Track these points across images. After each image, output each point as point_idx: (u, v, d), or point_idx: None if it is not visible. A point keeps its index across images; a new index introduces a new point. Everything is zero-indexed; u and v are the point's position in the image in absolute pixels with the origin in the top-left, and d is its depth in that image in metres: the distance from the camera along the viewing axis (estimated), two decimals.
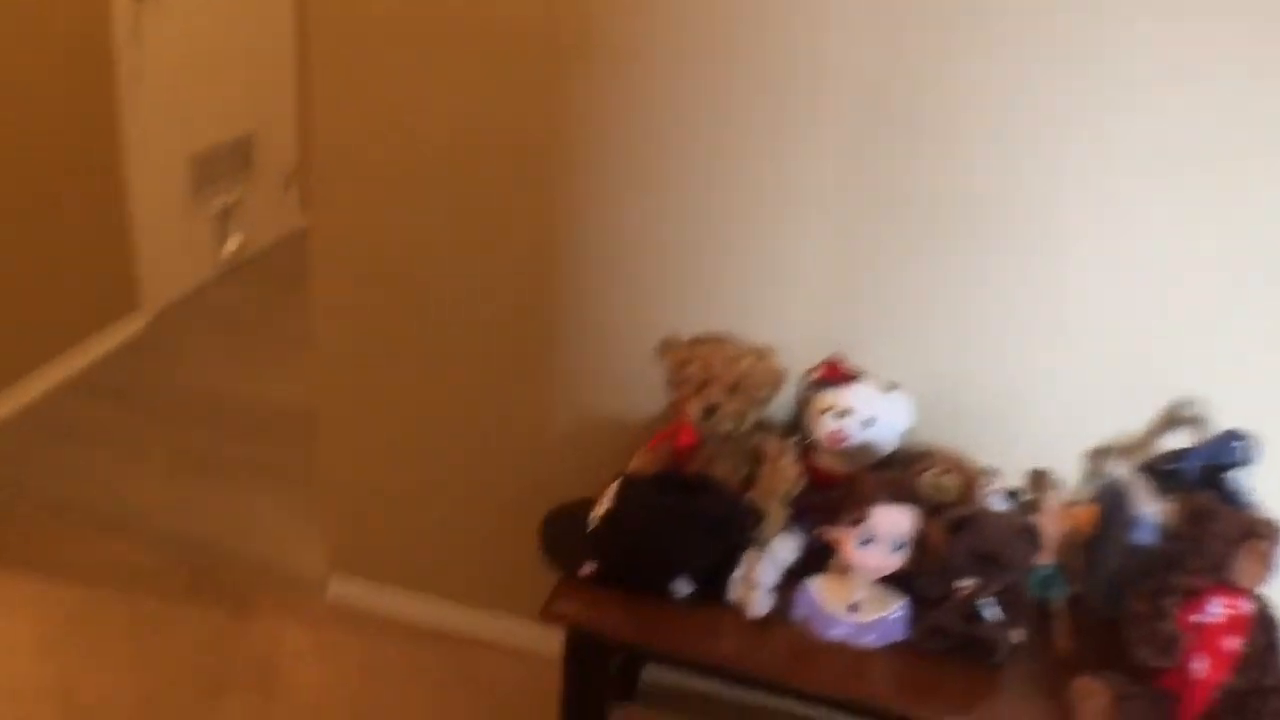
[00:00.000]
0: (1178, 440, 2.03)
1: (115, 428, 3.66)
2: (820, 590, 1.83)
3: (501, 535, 2.62)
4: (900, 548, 1.77)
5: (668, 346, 2.13)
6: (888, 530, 1.76)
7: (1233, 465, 1.90)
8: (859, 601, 1.80)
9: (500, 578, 2.70)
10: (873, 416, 1.99)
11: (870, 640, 1.80)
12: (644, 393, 2.30)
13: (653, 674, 2.64)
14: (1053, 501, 2.05)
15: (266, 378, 4.04)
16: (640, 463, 2.03)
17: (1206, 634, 1.66)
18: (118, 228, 4.12)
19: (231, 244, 4.93)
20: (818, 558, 1.88)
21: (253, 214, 5.05)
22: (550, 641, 2.64)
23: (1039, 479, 2.18)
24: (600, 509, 1.82)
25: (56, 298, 3.86)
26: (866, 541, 1.77)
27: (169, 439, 3.61)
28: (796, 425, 2.13)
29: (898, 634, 1.81)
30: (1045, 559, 1.91)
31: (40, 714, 2.53)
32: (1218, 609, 1.67)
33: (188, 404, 3.82)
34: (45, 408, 3.76)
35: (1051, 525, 1.94)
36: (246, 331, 4.39)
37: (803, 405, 2.10)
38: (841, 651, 1.79)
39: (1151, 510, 1.85)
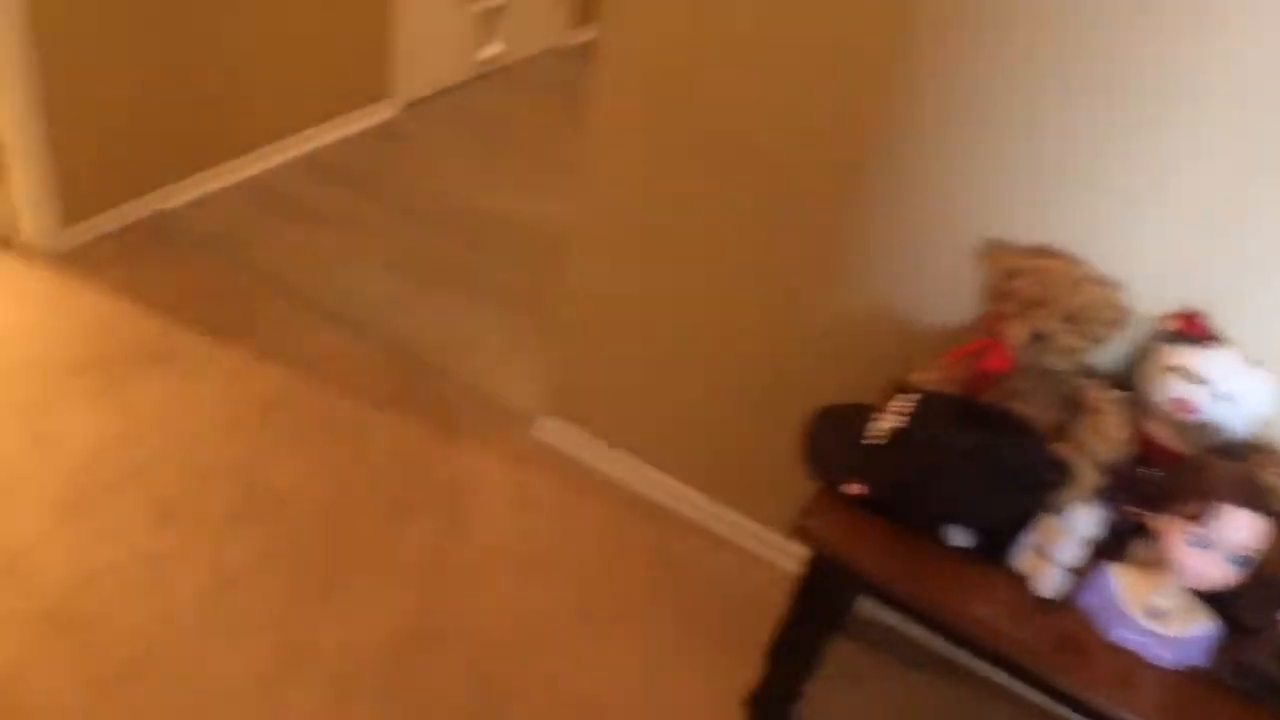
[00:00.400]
0: None
1: (347, 214, 3.61)
2: (1120, 581, 1.55)
3: (738, 420, 2.42)
4: (1240, 562, 1.46)
5: (997, 251, 1.83)
6: (1232, 537, 1.45)
7: None
8: (1163, 608, 1.51)
9: (725, 463, 2.51)
10: (1230, 392, 1.66)
11: (1163, 656, 1.51)
12: (944, 297, 2.00)
13: (866, 606, 2.41)
14: None
15: (507, 191, 3.91)
16: (932, 378, 1.76)
17: None
18: (380, 13, 4.03)
19: (491, 49, 4.80)
20: (1119, 540, 1.59)
21: (517, 22, 4.88)
22: (765, 541, 2.47)
23: None
24: (885, 423, 1.56)
25: (310, 72, 3.82)
26: (1200, 543, 1.46)
27: (399, 235, 3.53)
28: (1127, 379, 1.80)
29: (1196, 658, 1.52)
30: None
31: (222, 492, 2.51)
32: None
33: (424, 203, 3.74)
34: (281, 181, 3.74)
35: None
36: (493, 141, 4.27)
37: (1143, 357, 1.77)
38: (1120, 657, 1.52)
39: None
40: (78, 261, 3.25)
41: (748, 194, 2.15)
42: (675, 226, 2.29)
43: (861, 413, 1.63)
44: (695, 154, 2.18)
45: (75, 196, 3.23)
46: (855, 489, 1.57)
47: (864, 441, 1.57)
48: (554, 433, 2.75)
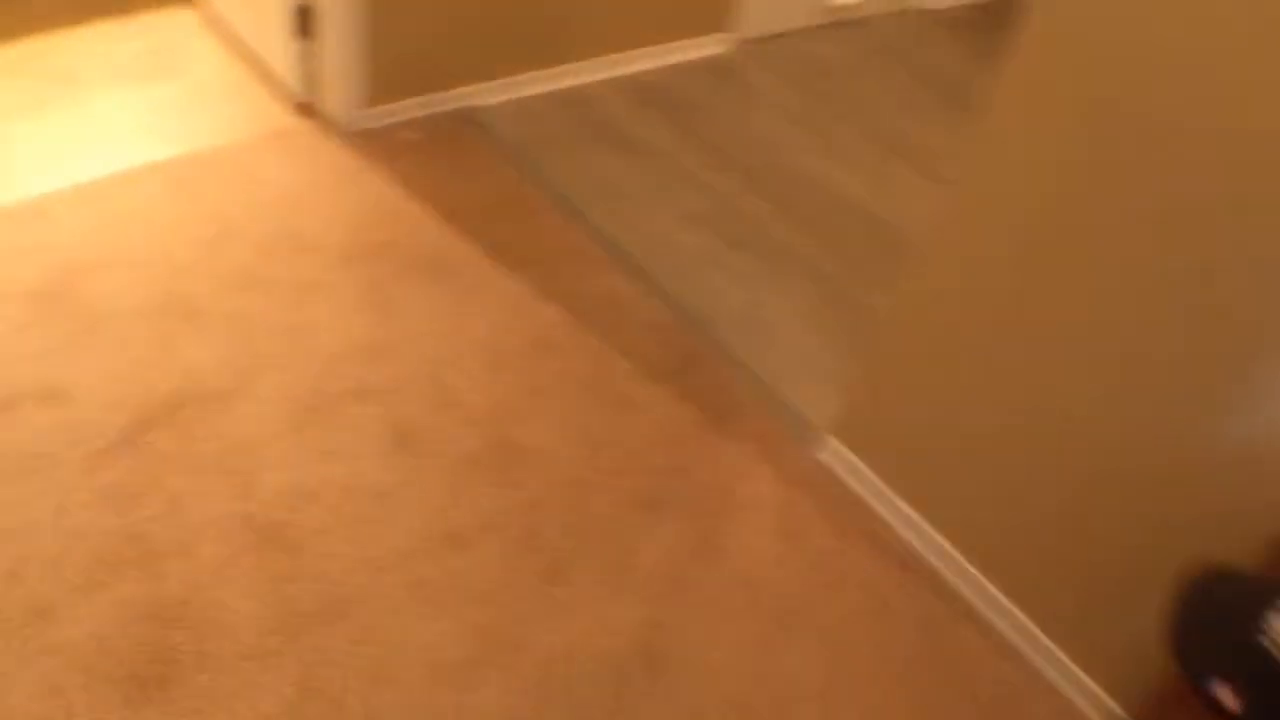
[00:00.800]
0: None
1: (659, 149, 3.38)
2: None
3: (1070, 524, 2.03)
4: None
5: None
6: None
7: None
8: None
9: (1037, 566, 2.13)
10: None
11: None
12: None
13: None
14: None
15: (834, 159, 3.55)
16: None
17: None
18: None
19: None
20: None
21: None
22: (1062, 669, 2.12)
23: None
24: None
25: None
26: None
27: (709, 183, 3.27)
28: None
29: None
30: None
31: (466, 433, 2.36)
32: None
33: (742, 152, 3.45)
34: (597, 99, 3.55)
35: None
36: (829, 100, 3.91)
37: None
38: None
39: None
40: (374, 143, 3.17)
41: (1173, 256, 1.73)
42: (1062, 272, 1.89)
43: (1260, 593, 1.26)
44: (1121, 194, 1.77)
45: (384, 76, 3.14)
46: (1229, 702, 1.21)
47: (1258, 642, 1.20)
48: (839, 459, 2.43)
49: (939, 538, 2.27)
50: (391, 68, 3.14)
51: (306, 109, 3.25)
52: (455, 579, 2.07)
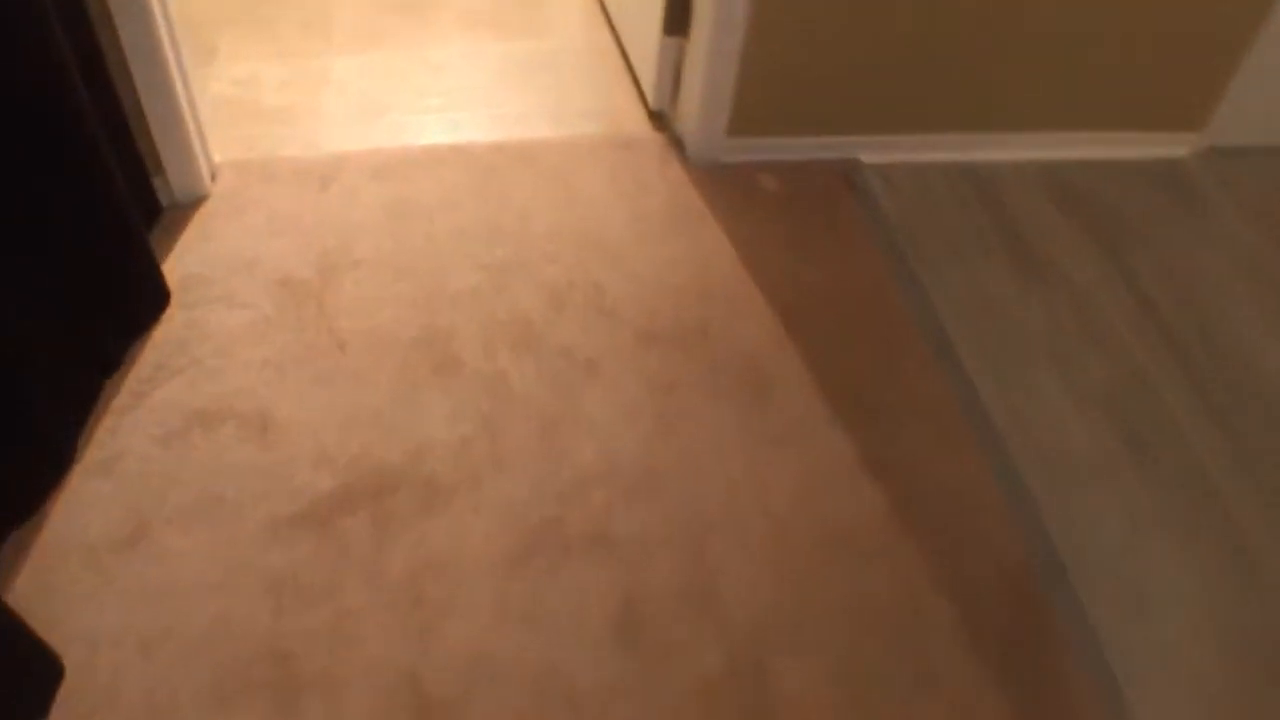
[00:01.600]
0: None
1: (1073, 276, 2.58)
2: None
3: None
4: None
5: None
6: None
7: None
8: None
9: None
10: None
11: None
12: None
13: None
14: None
15: None
16: None
17: None
18: (1235, 18, 2.91)
19: None
20: None
21: None
22: None
23: None
24: None
25: (1087, 60, 2.85)
26: None
27: (1123, 345, 2.44)
28: None
29: None
30: None
31: (714, 643, 1.81)
32: None
33: (1184, 313, 2.55)
34: (1005, 184, 2.85)
35: None
36: None
37: None
38: None
39: None
40: (724, 183, 2.67)
41: None
42: None
43: None
44: None
45: (753, 102, 2.64)
46: None
47: None
48: None
49: None
50: (764, 93, 2.61)
51: (657, 119, 2.78)
52: None
